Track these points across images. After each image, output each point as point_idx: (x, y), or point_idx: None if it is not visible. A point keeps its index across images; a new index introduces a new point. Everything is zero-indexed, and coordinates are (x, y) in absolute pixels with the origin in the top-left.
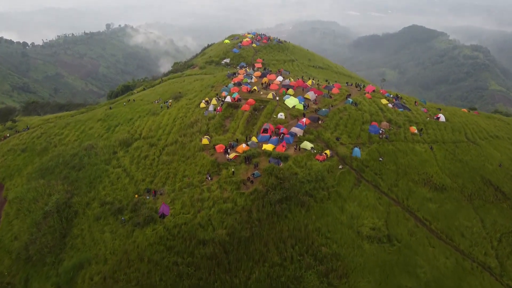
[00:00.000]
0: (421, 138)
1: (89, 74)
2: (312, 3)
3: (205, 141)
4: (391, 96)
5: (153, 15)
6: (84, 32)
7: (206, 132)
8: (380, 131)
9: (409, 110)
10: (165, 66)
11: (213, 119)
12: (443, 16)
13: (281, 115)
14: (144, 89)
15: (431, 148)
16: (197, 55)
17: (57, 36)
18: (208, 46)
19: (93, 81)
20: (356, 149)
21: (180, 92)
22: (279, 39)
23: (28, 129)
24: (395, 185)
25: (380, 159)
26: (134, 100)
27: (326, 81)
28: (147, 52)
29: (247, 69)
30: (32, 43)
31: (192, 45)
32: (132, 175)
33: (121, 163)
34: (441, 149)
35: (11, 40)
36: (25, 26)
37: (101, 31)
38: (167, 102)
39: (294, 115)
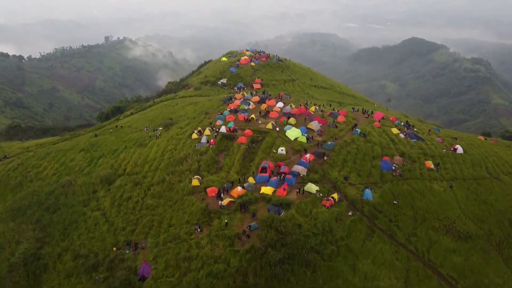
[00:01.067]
0: (438, 174)
1: (85, 87)
2: (311, 15)
3: (195, 182)
4: (402, 124)
5: (153, 27)
6: (82, 45)
7: (197, 171)
8: (393, 168)
9: (423, 140)
10: (163, 79)
11: (205, 154)
12: (442, 29)
13: (281, 150)
14: (132, 114)
15: (451, 186)
16: (193, 73)
17: (55, 49)
18: (205, 63)
19: (90, 95)
20: (367, 190)
21: (171, 119)
22: (278, 57)
23: (6, 158)
24: (414, 234)
25: (395, 202)
26: (121, 126)
27: (330, 105)
28: (145, 65)
29: (245, 93)
30: (29, 56)
31: (191, 57)
32: (111, 221)
33: (100, 205)
34: (462, 187)
35: (6, 53)
36: (24, 38)
37: (99, 43)
38: (156, 130)
39: (296, 149)
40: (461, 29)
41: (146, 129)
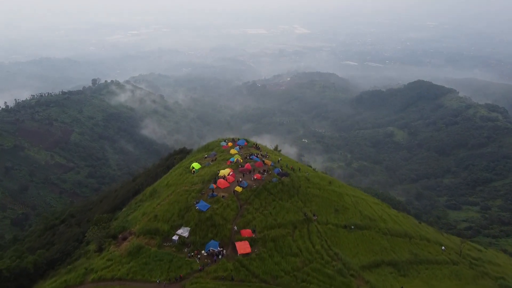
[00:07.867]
0: None
1: (57, 143)
2: (309, 53)
3: None
4: None
5: (150, 65)
6: (61, 91)
7: None
8: None
9: None
10: (149, 127)
11: None
12: (441, 68)
13: None
14: None
15: None
16: (140, 188)
17: (31, 95)
18: (172, 155)
19: (62, 151)
20: None
21: None
22: (281, 168)
23: None
24: None
25: None
26: None
27: None
28: (132, 111)
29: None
30: None
31: (184, 100)
32: None
33: None
34: None
35: None
36: (13, 78)
37: (86, 86)
38: None
39: None
40: (461, 68)
41: None
